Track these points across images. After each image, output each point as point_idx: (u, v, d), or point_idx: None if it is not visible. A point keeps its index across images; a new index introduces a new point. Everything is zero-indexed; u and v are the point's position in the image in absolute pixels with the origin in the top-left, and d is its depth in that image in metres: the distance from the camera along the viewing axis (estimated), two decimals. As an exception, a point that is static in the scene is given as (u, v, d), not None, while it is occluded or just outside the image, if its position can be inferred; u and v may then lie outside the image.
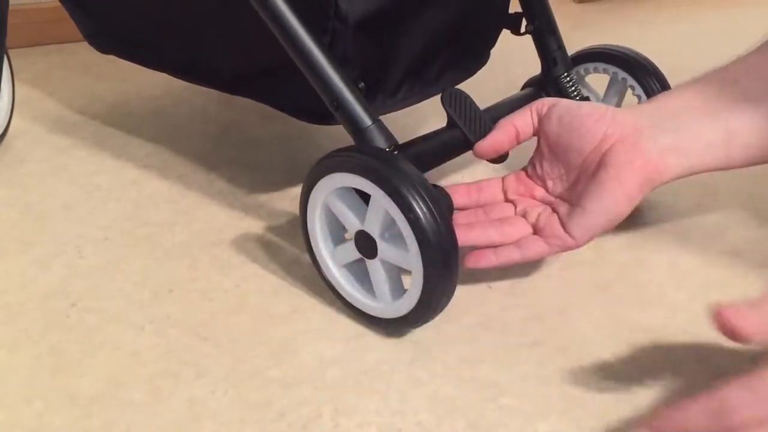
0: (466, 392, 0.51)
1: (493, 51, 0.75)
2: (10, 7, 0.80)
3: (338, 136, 0.61)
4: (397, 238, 0.52)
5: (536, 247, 0.56)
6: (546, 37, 0.73)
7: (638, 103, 0.72)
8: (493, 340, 0.56)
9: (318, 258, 0.58)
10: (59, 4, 0.78)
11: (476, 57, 0.74)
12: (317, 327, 0.57)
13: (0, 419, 0.49)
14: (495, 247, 0.57)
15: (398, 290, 0.55)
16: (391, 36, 0.61)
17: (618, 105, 0.75)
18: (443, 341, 0.56)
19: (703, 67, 0.60)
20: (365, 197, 0.53)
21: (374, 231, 0.53)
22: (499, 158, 0.62)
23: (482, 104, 0.66)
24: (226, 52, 0.67)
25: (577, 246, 0.56)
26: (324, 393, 0.51)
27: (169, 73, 0.75)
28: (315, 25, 0.56)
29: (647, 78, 0.71)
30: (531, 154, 0.62)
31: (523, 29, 0.73)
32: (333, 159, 0.53)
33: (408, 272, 0.52)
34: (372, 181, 0.51)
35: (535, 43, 0.74)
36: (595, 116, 0.56)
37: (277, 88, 0.65)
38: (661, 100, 0.59)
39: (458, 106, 0.62)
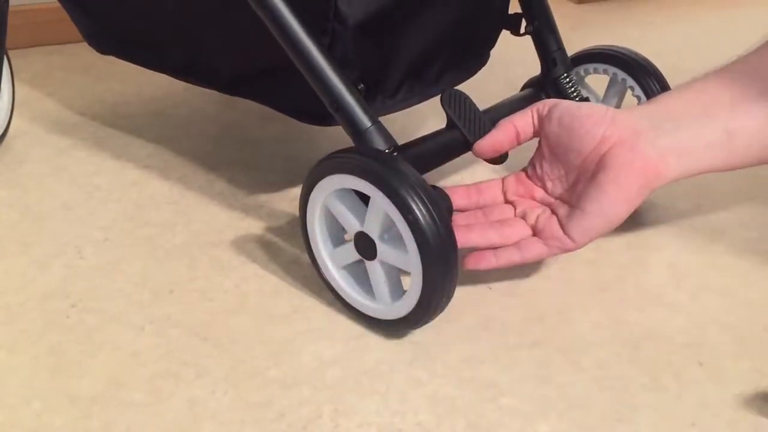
0: (466, 392, 0.51)
1: (492, 51, 0.75)
2: (10, 8, 0.80)
3: (338, 137, 0.61)
4: (396, 240, 0.52)
5: (536, 248, 0.56)
6: (546, 37, 0.73)
7: (638, 103, 0.72)
8: (493, 340, 0.56)
9: (317, 259, 0.58)
10: (59, 4, 0.78)
11: (476, 58, 0.74)
12: (317, 327, 0.57)
13: (0, 420, 0.49)
14: (495, 248, 0.57)
15: (397, 291, 0.55)
16: (390, 37, 0.61)
17: (618, 106, 0.75)
18: (443, 341, 0.56)
19: (702, 67, 0.60)
20: (365, 199, 0.53)
21: (374, 232, 0.53)
22: (499, 159, 0.62)
23: (482, 105, 0.66)
24: (226, 53, 0.67)
25: (576, 248, 0.56)
26: (324, 393, 0.51)
27: (169, 74, 0.75)
28: (314, 27, 0.56)
29: (647, 79, 0.71)
30: (531, 155, 0.62)
31: (522, 30, 0.73)
32: (333, 160, 0.53)
33: (407, 273, 0.52)
34: (371, 182, 0.51)
35: (535, 44, 0.74)
36: (594, 117, 0.56)
37: (276, 89, 0.65)
38: (661, 101, 0.59)
39: (458, 107, 0.62)
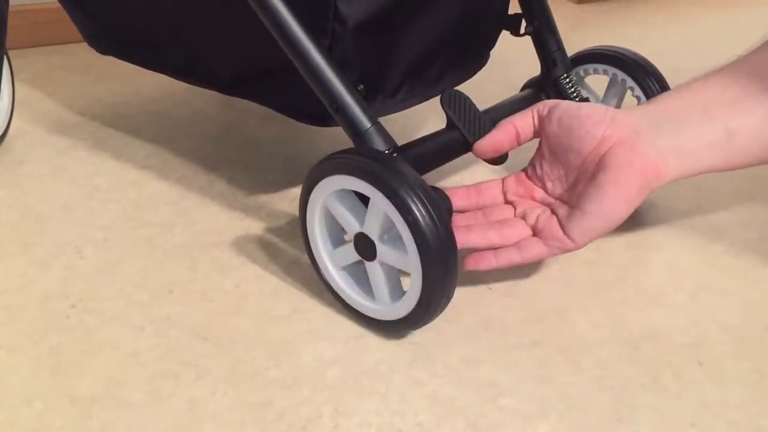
0: (465, 393, 0.51)
1: (492, 52, 0.75)
2: (10, 8, 0.80)
3: (338, 137, 0.61)
4: (396, 241, 0.52)
5: (536, 249, 0.56)
6: (545, 38, 0.73)
7: (638, 104, 0.72)
8: (493, 340, 0.56)
9: (317, 260, 0.58)
10: (59, 4, 0.78)
11: (476, 58, 0.74)
12: (317, 327, 0.57)
13: (0, 420, 0.49)
14: (494, 249, 0.57)
15: (397, 292, 0.55)
16: (390, 38, 0.61)
17: (618, 106, 0.75)
18: (443, 342, 0.56)
19: (702, 67, 0.60)
20: (365, 199, 0.53)
21: (373, 233, 0.53)
22: (498, 160, 0.62)
23: (482, 105, 0.66)
24: (226, 53, 0.67)
25: (576, 248, 0.56)
26: (324, 393, 0.51)
27: (168, 75, 0.75)
28: (314, 28, 0.56)
29: (646, 79, 0.71)
30: (531, 155, 0.62)
31: (522, 30, 0.73)
32: (332, 161, 0.53)
33: (407, 274, 0.52)
34: (371, 183, 0.51)
35: (535, 44, 0.74)
36: (594, 117, 0.56)
37: (276, 89, 0.65)
38: (660, 102, 0.59)
39: (457, 107, 0.62)
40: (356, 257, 0.55)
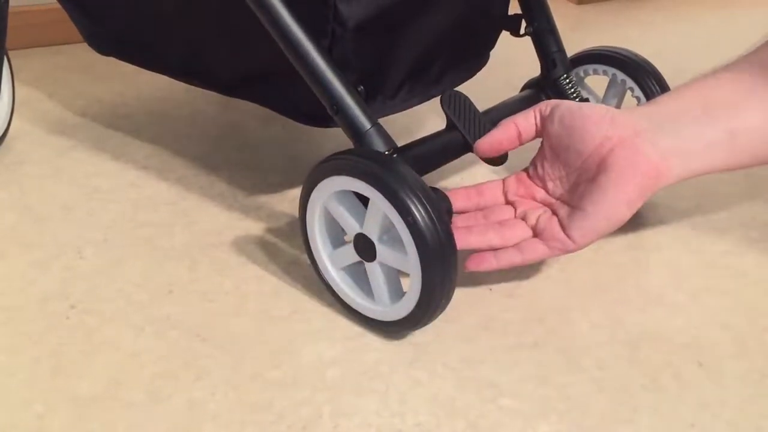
0: (465, 393, 0.51)
1: (492, 52, 0.75)
2: (11, 9, 0.80)
3: (338, 138, 0.61)
4: (395, 241, 0.52)
5: (537, 250, 0.56)
6: (545, 38, 0.73)
7: (638, 104, 0.72)
8: (493, 340, 0.56)
9: (317, 260, 0.58)
10: (59, 5, 0.78)
11: (476, 59, 0.74)
12: (317, 328, 0.57)
13: (0, 420, 0.49)
14: (495, 250, 0.57)
15: (397, 293, 0.55)
16: (390, 39, 0.61)
17: (617, 107, 0.75)
18: (443, 342, 0.56)
19: (702, 67, 0.60)
20: (364, 200, 0.53)
21: (373, 234, 0.53)
22: (498, 160, 0.61)
23: (482, 106, 0.66)
24: (226, 54, 0.67)
25: (577, 249, 0.55)
26: (324, 394, 0.51)
27: (168, 75, 0.75)
28: (314, 29, 0.56)
29: (646, 79, 0.71)
30: (532, 155, 0.62)
31: (522, 31, 0.73)
32: (332, 162, 0.53)
33: (407, 275, 0.52)
34: (371, 184, 0.51)
35: (535, 45, 0.74)
36: (594, 118, 0.56)
37: (276, 90, 0.65)
38: (661, 102, 0.58)
39: (457, 108, 0.62)
40: (356, 258, 0.55)
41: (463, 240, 0.56)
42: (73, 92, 0.99)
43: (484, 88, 0.76)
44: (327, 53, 0.56)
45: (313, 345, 0.56)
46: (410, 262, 0.51)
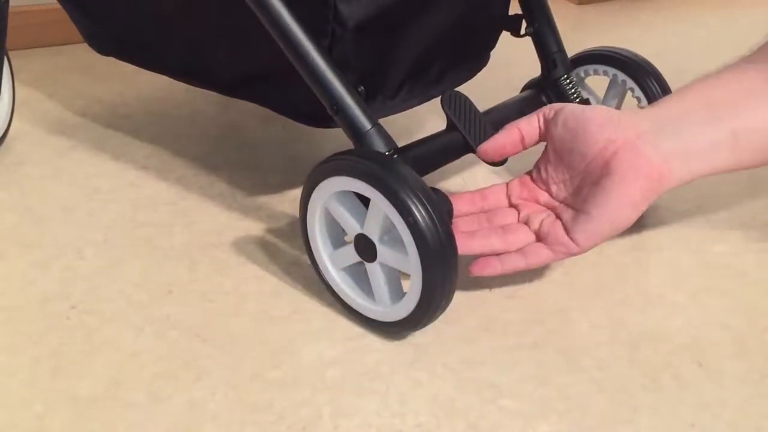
0: (466, 394, 0.51)
1: (492, 53, 0.75)
2: (11, 9, 0.80)
3: (338, 138, 0.61)
4: (396, 242, 0.52)
5: (541, 254, 0.56)
6: (546, 38, 0.73)
7: (638, 105, 0.72)
8: (493, 341, 0.56)
9: (317, 260, 0.58)
10: (59, 5, 0.78)
11: (476, 59, 0.74)
12: (317, 328, 0.57)
13: (0, 421, 0.49)
14: (499, 254, 0.57)
15: (397, 293, 0.55)
16: (390, 39, 0.61)
17: (618, 107, 0.75)
18: (443, 342, 0.56)
19: (703, 68, 0.59)
20: (365, 201, 0.53)
21: (373, 234, 0.53)
22: (499, 160, 0.61)
23: (482, 106, 0.66)
24: (226, 54, 0.67)
25: (581, 252, 0.55)
26: (324, 394, 0.51)
27: (168, 75, 0.75)
28: (314, 29, 0.56)
29: (647, 80, 0.71)
30: (535, 158, 0.62)
31: (522, 31, 0.73)
32: (333, 162, 0.53)
33: (407, 275, 0.52)
34: (371, 184, 0.51)
35: (535, 45, 0.74)
36: (598, 120, 0.56)
37: (276, 91, 0.65)
38: (665, 104, 0.58)
39: (458, 108, 0.62)
40: (356, 258, 0.55)
41: (465, 245, 0.56)
42: (73, 92, 0.99)
43: (485, 88, 0.76)
44: (327, 53, 0.56)
45: (313, 345, 0.56)
46: (411, 262, 0.51)
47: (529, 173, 0.62)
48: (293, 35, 0.55)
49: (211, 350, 0.55)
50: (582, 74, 0.76)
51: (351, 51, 0.58)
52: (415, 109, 0.68)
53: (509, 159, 0.62)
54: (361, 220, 0.54)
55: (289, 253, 0.66)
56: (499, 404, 0.50)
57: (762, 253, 0.67)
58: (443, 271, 0.50)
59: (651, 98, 0.70)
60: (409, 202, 0.49)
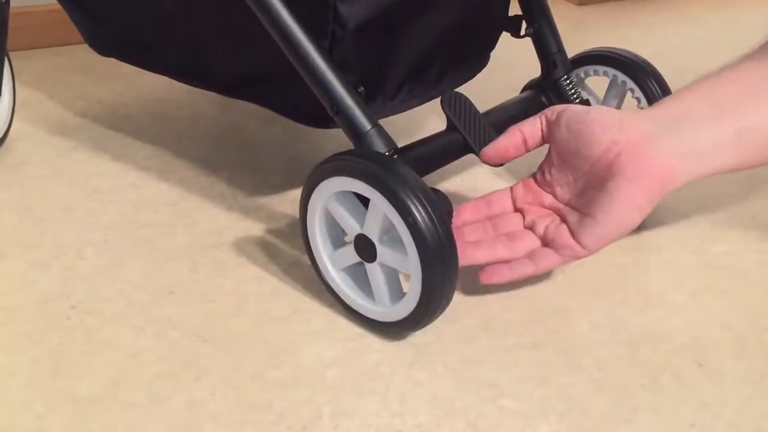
0: (465, 393, 0.51)
1: (492, 54, 0.75)
2: (11, 10, 0.80)
3: (338, 139, 0.61)
4: (396, 242, 0.52)
5: (549, 259, 0.56)
6: (546, 39, 0.73)
7: (638, 105, 0.72)
8: (493, 341, 0.56)
9: (317, 261, 0.58)
10: (60, 6, 0.78)
11: (476, 60, 0.74)
12: (317, 328, 0.57)
13: (0, 421, 0.49)
14: (507, 262, 0.57)
15: (397, 294, 0.55)
16: (390, 39, 0.61)
17: (618, 107, 0.75)
18: (443, 342, 0.56)
19: (703, 68, 0.59)
20: (365, 201, 0.53)
21: (373, 235, 0.53)
22: (500, 161, 0.61)
23: (482, 107, 0.66)
24: (226, 54, 0.67)
25: (588, 254, 0.55)
26: (324, 394, 0.51)
27: (169, 76, 0.75)
28: (314, 29, 0.56)
29: (647, 80, 0.71)
30: (536, 159, 0.62)
31: (522, 32, 0.73)
32: (333, 163, 0.54)
33: (408, 275, 0.52)
34: (371, 185, 0.51)
35: (535, 46, 0.74)
36: (602, 122, 0.55)
37: (276, 91, 0.65)
38: (669, 104, 0.58)
39: (458, 109, 0.62)
40: (356, 258, 0.55)
41: (472, 255, 0.57)
42: (73, 93, 0.99)
43: (485, 89, 0.76)
44: (327, 54, 0.56)
45: (313, 345, 0.56)
46: (410, 262, 0.51)
47: (533, 176, 0.62)
48: (293, 36, 0.55)
49: (212, 350, 0.55)
50: (582, 75, 0.76)
51: (351, 52, 0.58)
52: (415, 109, 0.69)
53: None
54: (361, 221, 0.54)
55: (289, 253, 0.66)
56: (499, 404, 0.51)
57: (762, 253, 0.67)
58: (443, 271, 0.50)
59: (651, 99, 0.70)
60: (409, 203, 0.49)
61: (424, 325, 0.54)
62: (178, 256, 0.66)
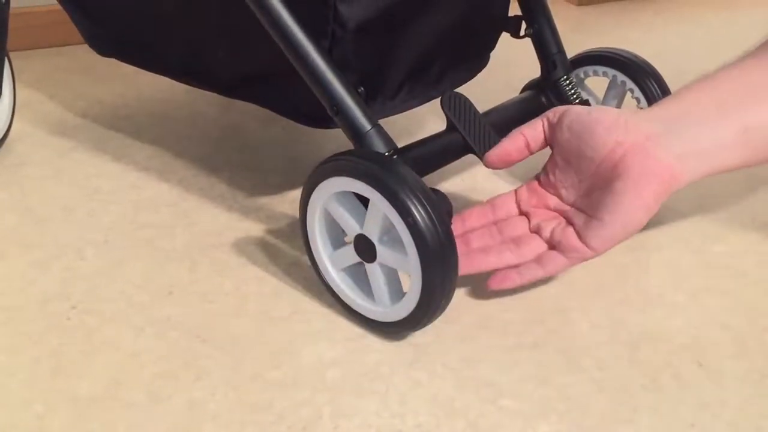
0: (465, 393, 0.51)
1: (492, 54, 0.75)
2: (11, 10, 0.80)
3: (338, 139, 0.61)
4: (395, 242, 0.52)
5: (557, 262, 0.56)
6: (545, 39, 0.73)
7: (637, 105, 0.72)
8: (493, 341, 0.56)
9: (317, 261, 0.58)
10: (60, 6, 0.78)
11: (476, 60, 0.74)
12: (317, 329, 0.57)
13: (0, 421, 0.49)
14: (516, 266, 0.57)
15: (397, 294, 0.55)
16: (390, 39, 0.61)
17: (617, 108, 0.75)
18: (443, 342, 0.56)
19: (703, 69, 0.59)
20: (365, 201, 0.53)
21: (373, 235, 0.53)
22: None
23: (482, 107, 0.66)
24: (226, 55, 0.67)
25: (595, 256, 0.55)
26: (324, 395, 0.51)
27: (169, 76, 0.75)
28: (314, 30, 0.56)
29: (646, 81, 0.71)
30: (536, 159, 0.62)
31: (522, 32, 0.73)
32: (332, 163, 0.54)
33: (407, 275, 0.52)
34: (371, 185, 0.51)
35: (535, 46, 0.74)
36: (605, 123, 0.55)
37: (276, 91, 0.65)
38: (672, 102, 0.57)
39: (458, 109, 0.62)
40: (356, 259, 0.55)
41: (481, 263, 0.57)
42: (73, 94, 0.99)
43: (484, 89, 0.76)
44: (327, 54, 0.56)
45: (313, 346, 0.56)
46: (410, 262, 0.51)
47: (537, 177, 0.61)
48: (293, 36, 0.55)
49: (212, 350, 0.55)
50: (582, 75, 0.76)
51: (351, 52, 0.58)
52: (415, 109, 0.69)
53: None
54: (361, 221, 0.54)
55: (289, 253, 0.66)
56: (499, 404, 0.51)
57: (762, 254, 0.67)
58: (443, 271, 0.50)
59: (650, 99, 0.70)
60: (409, 203, 0.49)
61: (424, 325, 0.54)
62: (178, 256, 0.66)
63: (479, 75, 0.74)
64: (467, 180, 0.78)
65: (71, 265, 0.64)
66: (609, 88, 0.75)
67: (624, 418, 0.49)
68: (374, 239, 0.53)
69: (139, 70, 0.77)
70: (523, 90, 0.76)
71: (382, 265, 0.54)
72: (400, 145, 0.58)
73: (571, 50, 0.76)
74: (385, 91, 0.64)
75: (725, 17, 1.34)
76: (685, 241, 0.68)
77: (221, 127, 0.91)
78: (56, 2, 0.78)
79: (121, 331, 0.57)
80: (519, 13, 0.73)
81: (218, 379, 0.52)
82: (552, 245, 0.57)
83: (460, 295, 0.60)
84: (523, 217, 0.60)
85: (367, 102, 0.58)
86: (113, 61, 0.79)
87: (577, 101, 0.73)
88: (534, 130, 0.59)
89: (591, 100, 0.76)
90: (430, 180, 0.57)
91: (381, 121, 0.57)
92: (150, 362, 0.54)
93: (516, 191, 0.62)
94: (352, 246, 0.55)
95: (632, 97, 0.72)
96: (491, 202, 0.62)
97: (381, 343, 0.56)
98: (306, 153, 0.85)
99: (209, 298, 0.61)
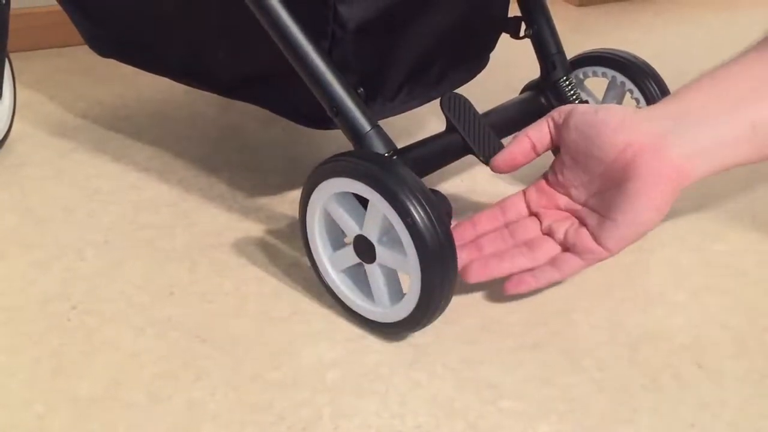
0: (465, 394, 0.51)
1: (492, 55, 0.75)
2: (12, 11, 0.81)
3: (338, 140, 0.61)
4: (395, 243, 0.52)
5: (573, 264, 0.56)
6: (545, 40, 0.73)
7: (637, 106, 0.72)
8: (493, 341, 0.56)
9: (317, 262, 0.58)
10: (60, 7, 0.78)
11: (475, 61, 0.74)
12: (317, 329, 0.57)
13: (0, 421, 0.49)
14: (531, 270, 0.57)
15: (397, 294, 0.55)
16: (390, 40, 0.61)
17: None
18: (443, 343, 0.56)
19: (703, 69, 0.59)
20: (364, 202, 0.53)
21: (373, 235, 0.53)
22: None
23: (481, 108, 0.66)
24: (226, 56, 0.67)
25: (610, 256, 0.55)
26: (324, 395, 0.51)
27: (169, 77, 0.75)
28: (314, 30, 0.56)
29: (645, 82, 0.71)
30: (537, 160, 0.62)
31: (522, 33, 0.73)
32: (332, 164, 0.54)
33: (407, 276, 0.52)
34: (370, 186, 0.51)
35: (534, 47, 0.74)
36: (612, 124, 0.55)
37: (276, 92, 0.65)
38: (680, 99, 0.57)
39: (457, 110, 0.62)
40: (356, 260, 0.55)
41: (496, 269, 0.57)
42: (74, 94, 0.99)
43: (484, 90, 0.76)
44: (327, 55, 0.56)
45: (313, 346, 0.56)
46: (410, 263, 0.51)
47: (545, 177, 0.61)
48: (293, 37, 0.55)
49: (211, 351, 0.55)
50: (581, 76, 0.76)
51: (351, 53, 0.58)
52: (414, 110, 0.69)
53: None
54: (361, 221, 0.54)
55: (289, 254, 0.66)
56: (499, 405, 0.51)
57: (762, 253, 0.67)
58: (442, 271, 0.50)
59: (650, 100, 0.70)
60: (408, 204, 0.49)
61: (424, 325, 0.54)
62: (178, 256, 0.66)
63: (479, 76, 0.74)
64: (467, 181, 0.78)
65: (71, 266, 0.64)
66: (608, 89, 0.75)
67: (624, 418, 0.49)
68: (374, 240, 0.53)
69: (139, 71, 0.77)
70: (523, 91, 0.76)
71: (381, 266, 0.54)
72: (399, 145, 0.58)
73: (571, 51, 0.76)
74: (384, 92, 0.64)
75: (725, 18, 1.34)
76: (686, 240, 0.68)
77: (221, 127, 0.91)
78: (56, 3, 0.78)
79: (121, 331, 0.57)
80: (518, 13, 0.73)
81: (218, 379, 0.52)
82: (566, 247, 0.57)
83: (460, 295, 0.60)
84: (534, 218, 0.60)
85: (366, 103, 0.58)
86: (113, 62, 0.79)
87: (576, 102, 0.73)
88: (539, 132, 0.59)
89: (590, 101, 0.76)
90: (429, 181, 0.57)
91: (381, 122, 0.57)
92: (150, 362, 0.54)
93: (524, 192, 0.62)
94: (351, 247, 0.55)
95: (632, 97, 0.73)
96: (500, 204, 0.62)
97: (381, 344, 0.56)
98: (306, 154, 0.85)
99: (209, 298, 0.61)
